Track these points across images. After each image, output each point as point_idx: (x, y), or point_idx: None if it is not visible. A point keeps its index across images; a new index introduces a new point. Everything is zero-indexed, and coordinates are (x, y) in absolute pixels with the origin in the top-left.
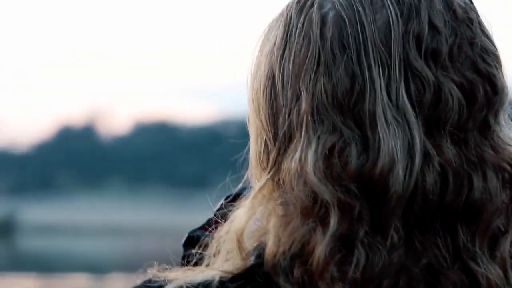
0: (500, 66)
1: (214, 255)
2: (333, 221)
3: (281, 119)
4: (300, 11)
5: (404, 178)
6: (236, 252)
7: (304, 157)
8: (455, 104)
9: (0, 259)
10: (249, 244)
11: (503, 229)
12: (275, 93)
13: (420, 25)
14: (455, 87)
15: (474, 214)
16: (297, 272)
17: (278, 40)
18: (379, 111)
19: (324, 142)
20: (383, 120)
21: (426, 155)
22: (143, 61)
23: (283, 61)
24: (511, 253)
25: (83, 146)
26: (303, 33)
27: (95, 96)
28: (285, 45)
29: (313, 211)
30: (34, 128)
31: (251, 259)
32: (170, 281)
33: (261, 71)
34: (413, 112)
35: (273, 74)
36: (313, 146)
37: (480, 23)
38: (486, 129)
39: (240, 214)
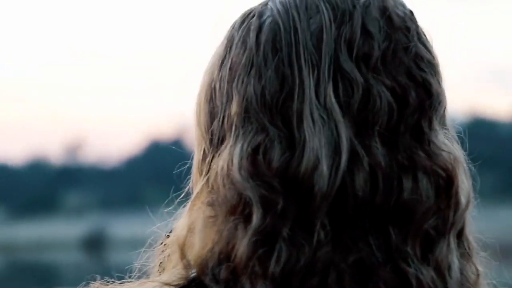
0: (436, 74)
1: (160, 266)
2: (255, 217)
3: (215, 124)
4: (242, 22)
5: (330, 176)
6: (179, 262)
7: (230, 156)
8: (384, 106)
9: (90, 273)
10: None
11: (437, 232)
12: (213, 101)
13: (352, 29)
14: (385, 90)
15: (405, 216)
16: (223, 270)
17: (221, 51)
18: (306, 110)
19: (250, 141)
20: (310, 119)
21: (354, 154)
22: None
23: (221, 69)
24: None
25: (172, 161)
26: (241, 41)
27: (184, 111)
28: (225, 55)
29: (238, 209)
30: (124, 143)
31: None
32: None
33: (204, 81)
34: (341, 112)
35: (212, 82)
36: (239, 145)
37: (418, 32)
38: (419, 134)
39: (180, 224)
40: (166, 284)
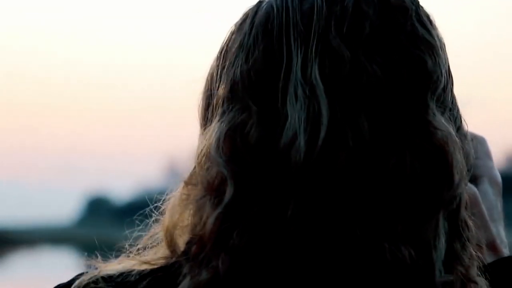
0: (434, 55)
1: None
2: (227, 193)
3: (209, 111)
4: (244, 12)
5: (307, 150)
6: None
7: (210, 135)
8: (373, 82)
9: None
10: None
11: (423, 211)
12: (210, 89)
13: (344, 7)
14: (375, 66)
15: (387, 192)
16: (194, 246)
17: (223, 41)
18: (291, 87)
19: (230, 120)
20: (293, 96)
21: (337, 130)
22: None
23: (219, 57)
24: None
25: None
26: (238, 28)
27: None
28: (225, 44)
29: (213, 186)
30: None
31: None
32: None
33: (207, 74)
34: (324, 88)
35: (211, 71)
36: (219, 124)
37: (417, 13)
38: (410, 111)
39: (171, 208)
40: (145, 263)
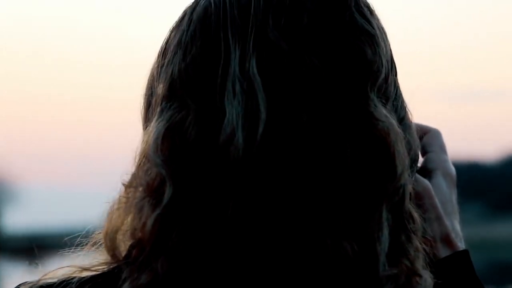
0: (374, 45)
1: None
2: (166, 193)
3: (150, 111)
4: (184, 9)
5: (245, 146)
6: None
7: (148, 136)
8: (311, 75)
9: None
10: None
11: (364, 204)
12: (150, 90)
13: (280, 1)
14: (314, 59)
15: (327, 186)
16: (134, 250)
17: (163, 40)
18: (229, 83)
19: (169, 119)
20: (231, 92)
21: (274, 124)
22: None
23: (160, 56)
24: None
25: None
26: (178, 25)
27: None
28: (165, 42)
29: (153, 187)
30: None
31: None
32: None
33: (148, 74)
34: (262, 83)
35: (152, 72)
36: (158, 123)
37: (356, 3)
38: (349, 103)
39: (111, 212)
40: (85, 269)
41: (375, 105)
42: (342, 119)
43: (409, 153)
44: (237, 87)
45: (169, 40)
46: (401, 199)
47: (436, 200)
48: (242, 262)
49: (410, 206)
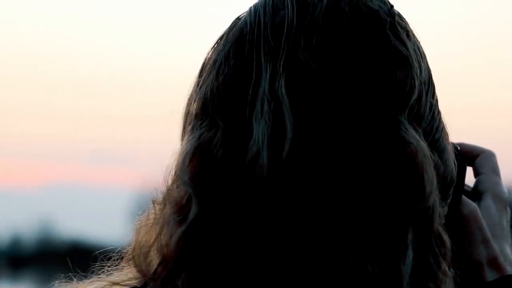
0: (406, 66)
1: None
2: (192, 211)
3: (186, 129)
4: (224, 30)
5: (270, 166)
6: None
7: (179, 154)
8: (342, 96)
9: None
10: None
11: (390, 225)
12: (186, 110)
13: (314, 20)
14: (344, 80)
15: (352, 207)
16: (160, 266)
17: (203, 60)
18: (258, 103)
19: (199, 137)
20: (260, 112)
21: (301, 145)
22: None
23: (199, 75)
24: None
25: None
26: (216, 45)
27: None
28: (204, 61)
29: (180, 204)
30: None
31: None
32: None
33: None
34: (290, 102)
35: (191, 90)
36: (188, 142)
37: (392, 25)
38: (381, 124)
39: (139, 229)
40: (115, 283)
41: (405, 128)
42: (370, 141)
43: (438, 174)
44: (265, 107)
45: (206, 60)
46: (429, 220)
47: (483, 223)
48: (262, 280)
49: (439, 228)
